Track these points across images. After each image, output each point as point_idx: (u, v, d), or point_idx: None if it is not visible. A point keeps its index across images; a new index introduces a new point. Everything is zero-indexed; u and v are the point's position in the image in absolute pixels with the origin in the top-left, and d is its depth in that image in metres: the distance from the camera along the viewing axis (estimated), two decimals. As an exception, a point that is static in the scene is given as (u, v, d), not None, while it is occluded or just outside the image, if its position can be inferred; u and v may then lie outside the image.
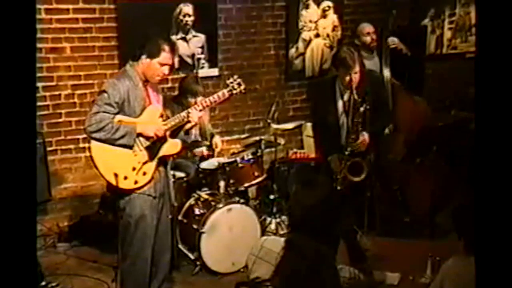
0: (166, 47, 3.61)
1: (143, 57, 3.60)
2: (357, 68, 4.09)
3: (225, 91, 3.86)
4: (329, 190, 2.42)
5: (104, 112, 3.52)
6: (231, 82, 3.88)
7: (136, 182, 3.64)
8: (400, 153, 5.00)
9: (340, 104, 4.28)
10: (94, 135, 3.53)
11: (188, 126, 3.90)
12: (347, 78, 4.09)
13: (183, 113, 3.78)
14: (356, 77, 4.09)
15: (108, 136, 3.53)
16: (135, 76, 3.62)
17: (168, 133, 3.76)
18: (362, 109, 4.06)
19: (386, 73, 4.98)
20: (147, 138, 3.67)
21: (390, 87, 4.96)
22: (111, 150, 3.57)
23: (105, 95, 3.54)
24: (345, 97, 4.25)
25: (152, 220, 3.74)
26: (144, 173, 3.66)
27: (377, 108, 4.20)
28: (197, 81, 4.84)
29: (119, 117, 3.57)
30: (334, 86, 4.29)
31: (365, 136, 4.17)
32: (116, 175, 3.56)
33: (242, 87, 3.88)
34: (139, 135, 3.63)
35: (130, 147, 3.61)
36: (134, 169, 3.63)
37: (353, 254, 2.49)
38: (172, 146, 3.79)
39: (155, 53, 3.60)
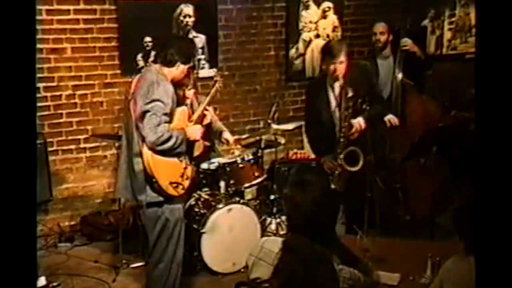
0: (194, 51, 3.61)
1: (179, 64, 3.56)
2: (342, 58, 4.10)
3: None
4: (321, 190, 2.42)
5: (165, 122, 3.39)
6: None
7: (183, 188, 3.59)
8: (405, 153, 4.98)
9: (332, 99, 4.26)
10: (160, 147, 3.39)
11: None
12: (331, 67, 4.11)
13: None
14: (340, 67, 4.10)
15: (173, 145, 3.41)
16: (168, 78, 3.54)
17: None
18: (350, 94, 4.04)
19: (399, 73, 4.96)
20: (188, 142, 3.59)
21: (401, 87, 4.95)
22: (164, 160, 3.47)
23: (161, 104, 3.38)
24: (336, 91, 4.24)
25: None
26: (187, 178, 3.61)
27: (370, 98, 4.18)
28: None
29: (169, 125, 3.47)
30: (325, 82, 4.29)
31: (360, 122, 4.15)
32: (173, 184, 3.50)
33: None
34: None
35: (182, 154, 3.54)
36: (182, 175, 3.56)
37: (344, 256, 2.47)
38: (198, 147, 3.81)
39: (189, 58, 3.60)
